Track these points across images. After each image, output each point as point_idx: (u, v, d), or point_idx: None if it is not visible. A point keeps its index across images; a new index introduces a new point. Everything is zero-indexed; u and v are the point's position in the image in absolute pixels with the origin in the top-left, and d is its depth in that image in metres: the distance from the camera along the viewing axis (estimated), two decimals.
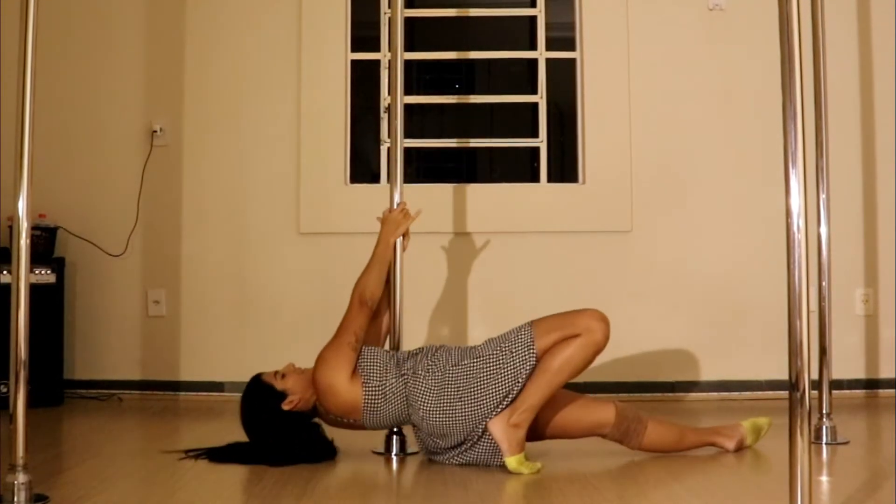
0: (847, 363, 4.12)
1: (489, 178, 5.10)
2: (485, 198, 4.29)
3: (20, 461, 2.18)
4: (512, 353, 2.66)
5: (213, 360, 4.24)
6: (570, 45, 4.40)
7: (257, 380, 2.77)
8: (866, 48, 4.30)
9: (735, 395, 4.17)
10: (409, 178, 3.78)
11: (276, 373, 2.76)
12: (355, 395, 2.67)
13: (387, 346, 3.03)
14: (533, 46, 4.44)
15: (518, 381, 2.64)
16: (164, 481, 2.57)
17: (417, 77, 4.80)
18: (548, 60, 4.40)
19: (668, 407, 4.00)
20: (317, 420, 2.81)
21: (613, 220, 4.26)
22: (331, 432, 2.82)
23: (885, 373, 4.20)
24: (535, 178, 4.44)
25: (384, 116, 4.37)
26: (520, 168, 4.82)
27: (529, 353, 2.65)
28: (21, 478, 2.17)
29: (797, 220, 1.84)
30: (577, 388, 3.99)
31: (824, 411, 3.05)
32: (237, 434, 2.80)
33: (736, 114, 4.28)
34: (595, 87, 4.30)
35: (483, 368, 2.66)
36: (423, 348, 2.80)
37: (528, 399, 2.63)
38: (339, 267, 4.19)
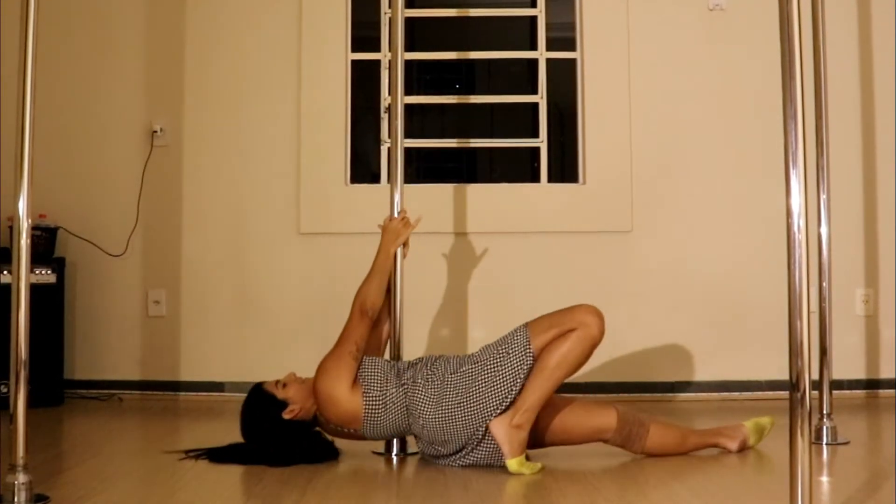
0: (847, 363, 4.12)
1: (489, 178, 5.10)
2: (485, 198, 4.28)
3: (20, 461, 2.18)
4: (509, 354, 2.67)
5: (214, 361, 4.25)
6: (570, 45, 4.40)
7: (258, 389, 2.78)
8: (866, 48, 4.30)
9: (735, 395, 4.17)
10: (410, 178, 3.78)
11: (277, 382, 2.76)
12: (356, 405, 2.67)
13: (387, 352, 3.04)
14: (533, 46, 4.44)
15: (517, 382, 2.64)
16: (164, 481, 2.57)
17: (418, 77, 4.80)
18: (548, 60, 4.40)
19: (667, 407, 4.00)
20: (317, 430, 2.81)
21: (614, 220, 4.26)
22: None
23: (886, 373, 4.20)
24: (535, 178, 4.44)
25: (384, 116, 4.37)
26: (520, 168, 4.82)
27: (526, 354, 2.66)
28: (21, 478, 2.17)
29: (798, 220, 1.84)
30: (577, 389, 4.02)
31: (825, 412, 3.05)
32: (237, 434, 2.79)
33: (736, 114, 4.28)
34: (595, 87, 4.30)
35: (481, 373, 2.67)
36: (422, 358, 2.81)
37: (529, 398, 2.63)
38: (339, 267, 4.20)
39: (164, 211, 4.29)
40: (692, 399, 4.16)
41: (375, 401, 2.68)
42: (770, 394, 4.08)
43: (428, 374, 2.70)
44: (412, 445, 2.88)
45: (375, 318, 2.87)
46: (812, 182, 3.02)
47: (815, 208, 3.07)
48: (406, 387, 2.69)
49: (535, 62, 4.41)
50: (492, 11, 4.53)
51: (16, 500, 2.16)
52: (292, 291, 4.26)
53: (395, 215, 3.05)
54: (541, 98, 4.38)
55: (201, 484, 2.51)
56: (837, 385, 3.66)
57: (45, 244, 4.05)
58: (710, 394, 4.18)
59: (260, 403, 2.74)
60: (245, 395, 2.82)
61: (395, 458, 2.86)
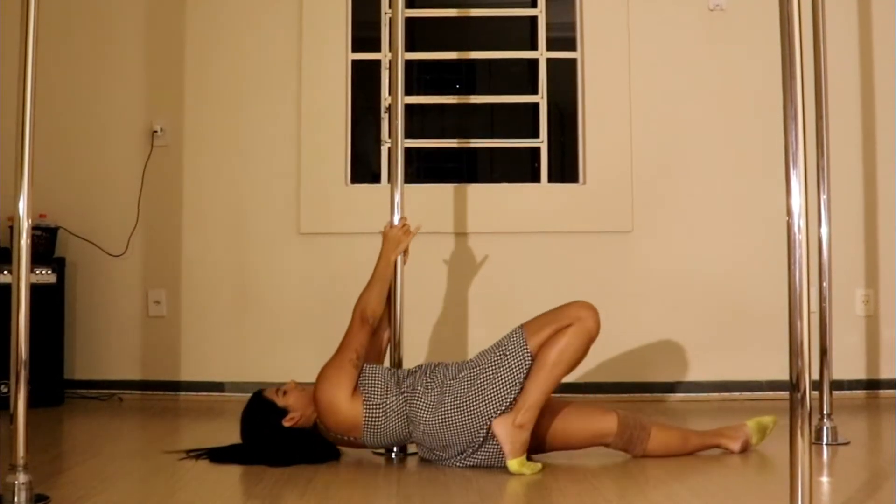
0: (848, 364, 4.12)
1: (490, 178, 5.09)
2: (485, 198, 4.29)
3: (21, 461, 2.18)
4: (506, 356, 2.68)
5: (214, 361, 4.25)
6: (570, 45, 4.40)
7: (259, 396, 2.78)
8: (867, 48, 4.29)
9: (735, 395, 4.17)
10: (410, 178, 3.78)
11: (277, 389, 2.76)
12: (356, 413, 2.68)
13: (387, 355, 3.05)
14: (533, 46, 4.44)
15: (516, 383, 2.65)
16: (164, 481, 2.57)
17: (418, 77, 4.80)
18: (548, 60, 4.40)
19: (667, 407, 4.00)
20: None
21: (614, 221, 4.26)
22: None
23: (886, 373, 4.20)
24: (535, 178, 4.44)
25: (385, 116, 4.37)
26: (520, 168, 4.81)
27: (524, 354, 2.66)
28: (21, 478, 2.17)
29: (798, 220, 1.84)
30: (577, 389, 4.03)
31: (825, 412, 3.05)
32: (237, 435, 2.79)
33: (736, 114, 4.28)
34: (595, 87, 4.30)
35: (479, 376, 2.67)
36: (421, 366, 2.82)
37: (530, 397, 2.63)
38: (339, 267, 4.20)
39: (164, 211, 4.29)
40: (692, 399, 4.16)
41: (376, 409, 2.68)
42: (770, 394, 4.08)
43: (428, 382, 2.71)
44: (412, 446, 2.88)
45: (376, 326, 2.88)
46: (812, 182, 3.02)
47: (815, 208, 3.07)
48: (406, 395, 2.70)
49: (535, 62, 4.41)
50: (492, 11, 4.53)
51: (16, 500, 2.16)
52: (292, 291, 4.26)
53: (396, 222, 3.06)
54: (541, 98, 4.38)
55: (201, 484, 2.51)
56: (838, 385, 3.66)
57: (46, 244, 4.05)
58: (710, 394, 4.18)
59: (260, 411, 2.74)
60: (245, 395, 2.82)
61: (394, 458, 2.86)
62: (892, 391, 4.15)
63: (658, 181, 4.27)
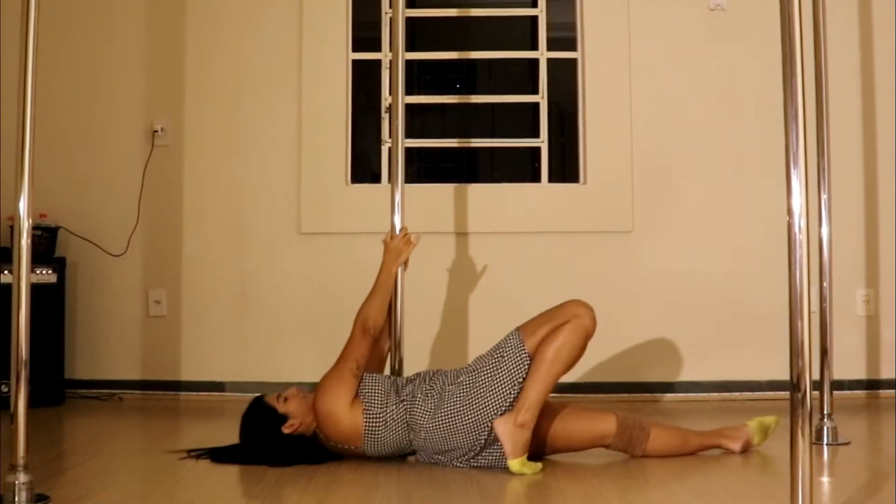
0: (848, 364, 4.12)
1: (490, 178, 5.10)
2: (486, 198, 4.29)
3: (21, 461, 2.18)
4: (504, 358, 2.68)
5: (214, 360, 4.25)
6: (571, 45, 4.40)
7: (259, 402, 2.78)
8: (867, 48, 4.29)
9: (735, 395, 4.17)
10: (410, 178, 3.78)
11: (278, 395, 2.76)
12: (356, 423, 2.68)
13: (387, 364, 3.06)
14: (534, 46, 4.44)
15: (515, 385, 2.65)
16: (164, 481, 2.57)
17: (418, 77, 4.80)
18: (549, 60, 4.40)
19: (668, 407, 4.00)
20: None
21: (614, 220, 4.26)
22: None
23: (886, 373, 4.20)
24: (535, 178, 4.44)
25: (385, 116, 4.37)
26: (521, 168, 4.81)
27: (521, 355, 2.67)
28: (22, 477, 2.17)
29: (798, 220, 1.84)
30: (577, 388, 4.03)
31: (825, 412, 3.05)
32: (237, 435, 2.79)
33: (736, 114, 4.28)
34: (596, 87, 4.30)
35: (478, 380, 2.68)
36: (420, 373, 2.83)
37: (530, 395, 2.63)
38: (339, 267, 4.20)
39: (164, 211, 4.29)
40: (692, 399, 4.16)
41: (376, 418, 2.68)
42: (770, 394, 4.07)
43: (427, 389, 2.71)
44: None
45: (377, 336, 2.89)
46: (813, 182, 3.02)
47: (815, 208, 3.07)
48: (406, 403, 2.70)
49: (535, 62, 4.41)
50: (492, 11, 4.53)
51: (16, 499, 2.16)
52: (293, 291, 4.26)
53: (396, 222, 3.07)
54: (541, 98, 4.38)
55: (202, 484, 2.51)
56: (838, 385, 3.66)
57: (46, 244, 4.05)
58: (710, 394, 4.18)
59: (260, 416, 2.74)
60: (246, 394, 2.83)
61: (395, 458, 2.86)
62: (893, 391, 4.15)
63: (658, 181, 4.27)
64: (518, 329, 2.73)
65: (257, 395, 2.84)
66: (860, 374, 4.21)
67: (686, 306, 4.22)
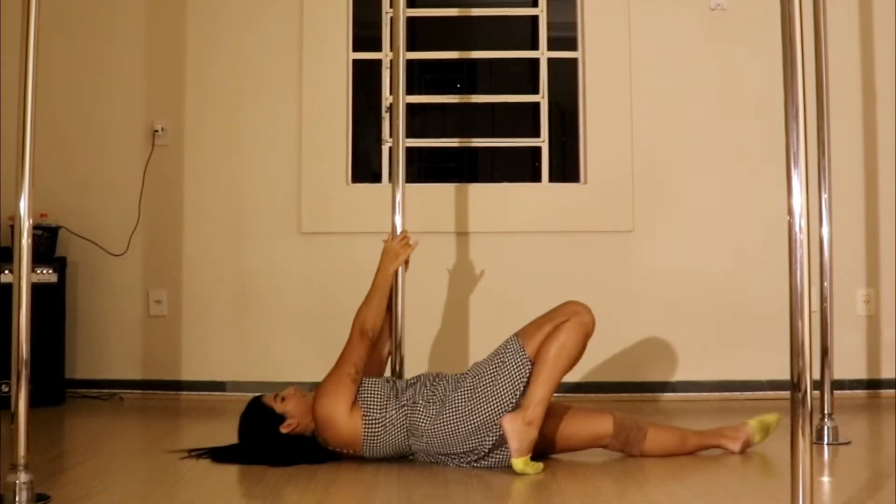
0: (848, 363, 4.12)
1: (491, 177, 5.10)
2: (486, 198, 4.28)
3: (22, 460, 2.18)
4: (504, 363, 2.69)
5: (215, 360, 4.25)
6: (571, 44, 4.40)
7: (257, 402, 2.78)
8: (868, 47, 4.29)
9: (736, 395, 4.16)
10: (411, 177, 3.78)
11: (276, 395, 2.77)
12: (355, 427, 2.68)
13: (387, 368, 3.06)
14: (534, 46, 4.44)
15: (517, 389, 2.66)
16: (165, 480, 2.58)
17: (419, 77, 4.80)
18: (549, 60, 4.40)
19: (668, 407, 4.00)
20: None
21: (615, 220, 4.26)
22: None
23: (887, 373, 4.20)
24: (536, 177, 4.44)
25: (385, 116, 4.37)
26: (521, 168, 4.82)
27: (522, 360, 2.68)
28: (23, 477, 2.18)
29: (799, 220, 1.84)
30: (578, 388, 4.03)
31: (826, 412, 3.05)
32: (236, 436, 2.79)
33: (736, 114, 4.28)
34: (596, 86, 4.30)
35: (479, 385, 2.68)
36: (419, 377, 2.82)
37: (537, 393, 2.64)
38: (339, 267, 4.20)
39: (165, 210, 4.29)
40: (693, 399, 4.16)
41: (375, 423, 2.69)
42: (771, 394, 4.07)
43: (429, 395, 2.71)
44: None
45: (376, 338, 2.89)
46: (813, 182, 3.02)
47: (816, 208, 3.07)
48: (406, 408, 2.70)
49: (536, 62, 4.41)
50: (493, 11, 4.53)
51: (17, 499, 2.16)
52: (293, 291, 4.26)
53: (397, 223, 3.07)
54: (542, 98, 4.38)
55: (202, 483, 2.51)
56: (838, 385, 3.65)
57: (47, 244, 4.05)
58: (710, 394, 4.18)
59: (257, 416, 2.74)
60: (246, 394, 2.83)
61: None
62: (893, 391, 4.15)
63: (659, 181, 4.27)
64: (517, 334, 2.75)
65: (256, 394, 2.85)
66: (860, 373, 4.21)
67: (686, 306, 4.22)
